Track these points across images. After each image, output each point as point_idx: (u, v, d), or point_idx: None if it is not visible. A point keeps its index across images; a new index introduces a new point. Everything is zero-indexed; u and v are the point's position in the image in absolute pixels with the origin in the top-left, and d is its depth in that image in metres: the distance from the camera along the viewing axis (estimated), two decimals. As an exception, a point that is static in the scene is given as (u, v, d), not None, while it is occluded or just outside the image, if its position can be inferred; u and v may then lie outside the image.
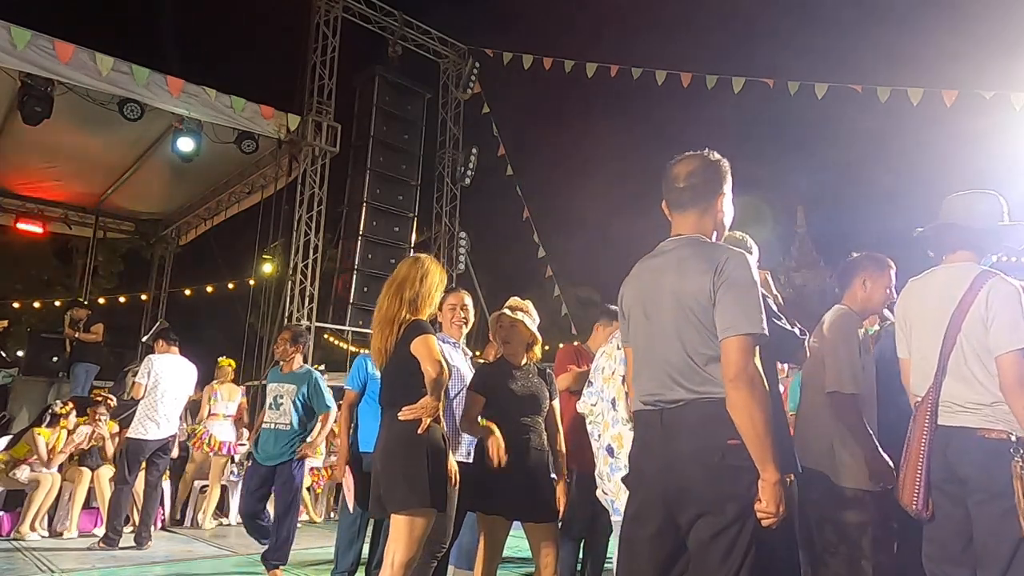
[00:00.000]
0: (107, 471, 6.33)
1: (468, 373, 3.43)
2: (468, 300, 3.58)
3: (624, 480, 2.99)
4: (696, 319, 1.91)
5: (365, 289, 10.81)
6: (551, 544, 3.09)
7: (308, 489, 7.68)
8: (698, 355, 1.90)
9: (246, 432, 8.02)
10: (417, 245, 12.05)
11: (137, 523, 5.91)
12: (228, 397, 7.25)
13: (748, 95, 10.30)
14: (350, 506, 3.94)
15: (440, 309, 3.43)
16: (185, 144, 8.73)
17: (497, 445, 2.94)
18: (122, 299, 17.34)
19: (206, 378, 7.32)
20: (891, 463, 2.68)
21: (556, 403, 3.34)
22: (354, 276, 10.89)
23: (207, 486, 7.06)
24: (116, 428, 6.71)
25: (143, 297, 14.61)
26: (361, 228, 11.07)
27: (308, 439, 4.72)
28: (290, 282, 10.07)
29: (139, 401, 5.80)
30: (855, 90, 9.66)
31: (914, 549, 2.65)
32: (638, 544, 1.97)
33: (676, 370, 1.93)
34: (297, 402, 4.64)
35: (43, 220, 12.43)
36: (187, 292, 15.61)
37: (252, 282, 12.80)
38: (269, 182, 10.76)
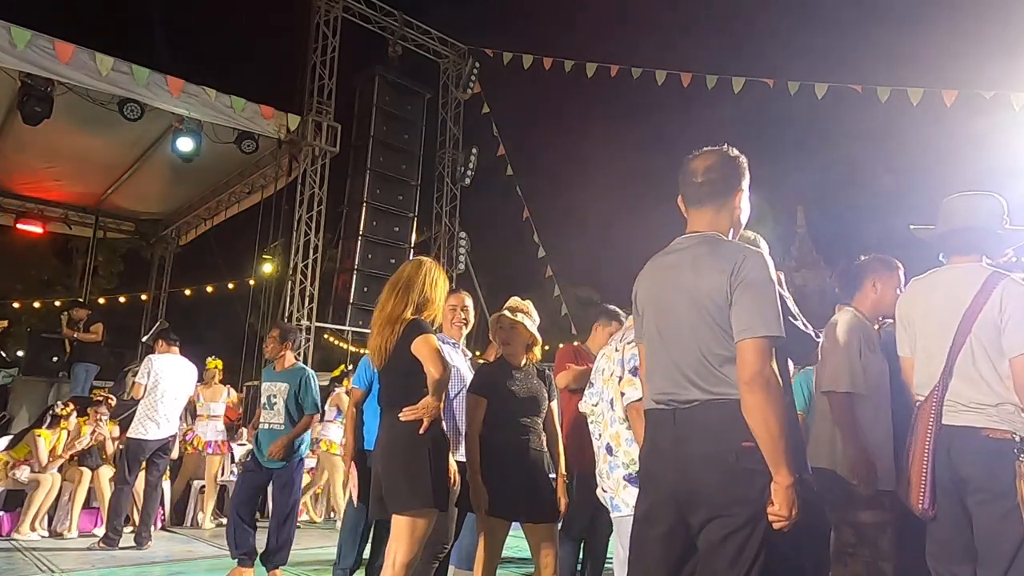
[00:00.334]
0: (107, 471, 6.34)
1: (468, 373, 3.43)
2: (469, 301, 3.58)
3: (628, 479, 3.01)
4: (712, 319, 1.88)
5: (365, 289, 10.81)
6: (551, 544, 3.09)
7: (308, 489, 7.68)
8: (713, 355, 1.87)
9: (245, 432, 8.04)
10: (417, 245, 12.06)
11: (137, 523, 5.91)
12: (212, 398, 7.23)
13: (748, 95, 10.31)
14: (354, 501, 3.95)
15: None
16: (185, 144, 8.73)
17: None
18: (122, 299, 17.35)
19: (223, 379, 7.36)
20: (875, 466, 2.69)
21: (555, 404, 3.35)
22: (354, 276, 10.89)
23: (206, 486, 7.06)
24: (116, 428, 6.71)
25: (143, 297, 14.61)
26: (361, 228, 11.07)
27: (306, 443, 4.67)
28: (290, 282, 10.08)
29: (139, 401, 5.80)
30: (855, 90, 9.66)
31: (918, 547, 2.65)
32: (649, 544, 1.95)
33: (691, 370, 1.90)
34: (290, 402, 4.57)
35: (43, 220, 12.43)
36: (187, 292, 15.61)
37: (252, 282, 12.81)
38: (269, 182, 10.76)
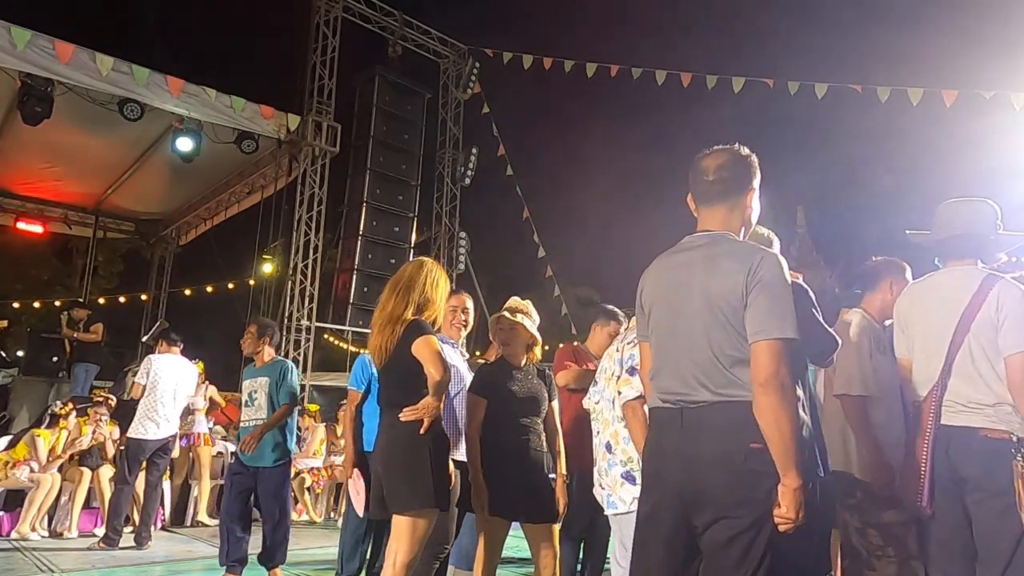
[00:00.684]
0: (107, 471, 6.34)
1: (466, 373, 3.43)
2: (469, 303, 3.58)
3: (626, 476, 3.01)
4: (725, 319, 1.86)
5: (365, 289, 10.81)
6: (551, 545, 3.10)
7: (308, 489, 7.68)
8: (724, 356, 1.86)
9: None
10: (417, 245, 12.06)
11: (137, 523, 5.91)
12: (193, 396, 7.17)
13: (748, 95, 10.31)
14: (359, 511, 3.75)
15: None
16: (185, 144, 8.73)
17: None
18: (122, 299, 17.35)
19: (208, 379, 7.32)
20: (892, 467, 2.69)
21: (556, 404, 3.35)
22: (354, 276, 10.89)
23: (199, 480, 7.05)
24: (116, 429, 6.71)
25: (143, 297, 14.62)
26: (361, 228, 11.07)
27: (292, 441, 4.55)
28: (290, 282, 10.08)
29: (139, 401, 5.80)
30: (855, 90, 9.66)
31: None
32: (651, 545, 1.95)
33: (701, 370, 1.88)
34: (271, 396, 4.45)
35: (43, 220, 12.45)
36: (187, 292, 15.61)
37: (252, 282, 12.80)
38: (269, 182, 10.77)
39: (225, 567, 4.34)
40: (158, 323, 10.91)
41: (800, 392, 2.15)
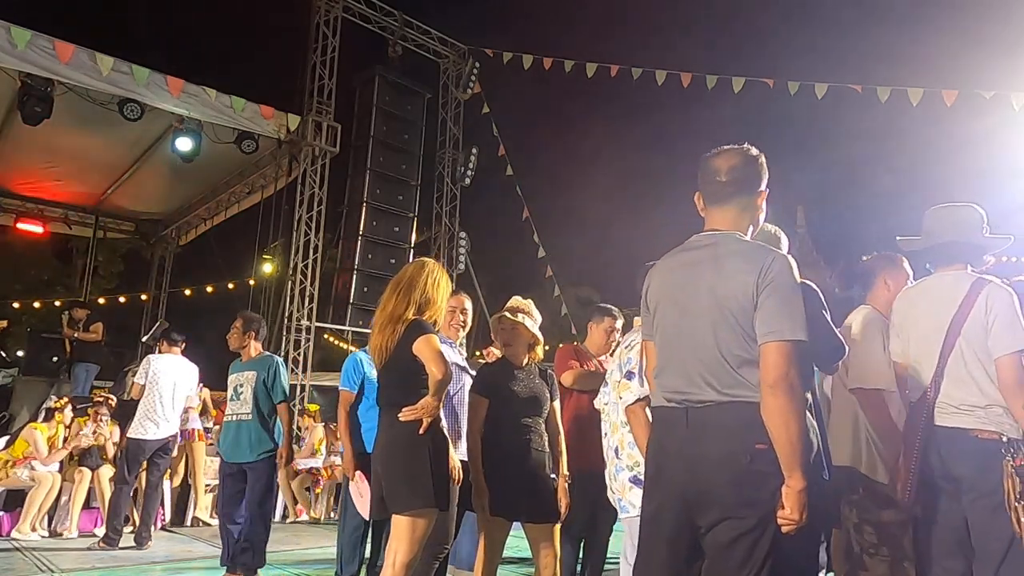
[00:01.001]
0: (107, 471, 6.34)
1: (466, 372, 3.44)
2: (468, 304, 3.59)
3: (633, 480, 3.01)
4: (734, 319, 1.86)
5: (365, 289, 10.81)
6: (551, 544, 3.10)
7: (308, 489, 7.69)
8: (732, 356, 1.86)
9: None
10: (417, 245, 12.06)
11: (137, 523, 5.92)
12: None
13: (748, 95, 10.30)
14: (364, 514, 3.68)
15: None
16: (185, 144, 8.72)
17: None
18: (122, 299, 17.35)
19: (207, 379, 7.31)
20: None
21: (557, 403, 3.35)
22: (354, 276, 10.89)
23: (195, 476, 7.05)
24: (116, 429, 6.72)
25: (143, 297, 14.61)
26: (361, 228, 11.07)
27: (276, 435, 4.47)
28: (290, 282, 10.08)
29: (139, 402, 5.80)
30: (855, 90, 9.65)
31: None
32: (655, 545, 1.95)
33: (707, 369, 1.88)
34: (258, 391, 4.38)
35: (43, 220, 12.44)
36: (187, 292, 15.61)
37: (252, 282, 12.81)
38: (269, 182, 10.77)
39: (225, 567, 4.33)
40: (158, 323, 10.91)
41: (807, 394, 2.14)
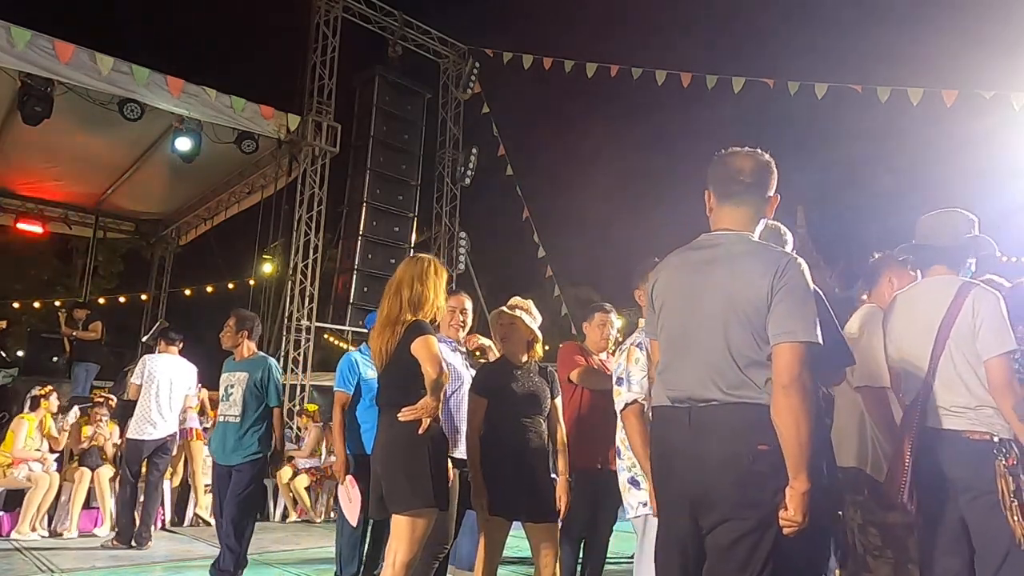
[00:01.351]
0: (107, 471, 6.34)
1: (465, 372, 3.44)
2: (468, 304, 3.58)
3: (631, 481, 3.02)
4: (747, 320, 1.86)
5: (365, 289, 10.81)
6: (551, 544, 3.09)
7: (307, 489, 7.69)
8: (741, 356, 1.86)
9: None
10: (417, 245, 12.06)
11: (137, 523, 5.92)
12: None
13: (748, 95, 10.30)
14: (351, 521, 3.70)
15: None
16: (185, 144, 8.72)
17: None
18: (122, 299, 17.34)
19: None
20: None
21: (558, 401, 3.33)
22: (354, 276, 10.89)
23: (193, 475, 7.06)
24: (116, 429, 6.72)
25: (143, 297, 14.61)
26: (361, 228, 11.07)
27: (265, 438, 4.32)
28: (290, 282, 10.08)
29: (136, 402, 5.82)
30: (855, 90, 9.66)
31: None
32: (667, 546, 1.97)
33: (714, 369, 1.88)
34: (249, 392, 4.22)
35: (43, 220, 12.43)
36: (187, 292, 15.61)
37: (252, 282, 12.79)
38: (269, 182, 10.77)
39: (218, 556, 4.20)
40: (158, 323, 10.91)
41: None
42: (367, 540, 4.15)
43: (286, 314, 9.99)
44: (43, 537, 5.95)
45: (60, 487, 6.22)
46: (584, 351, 4.06)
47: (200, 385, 7.15)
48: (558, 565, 3.14)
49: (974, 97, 8.88)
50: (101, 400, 6.98)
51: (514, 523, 3.15)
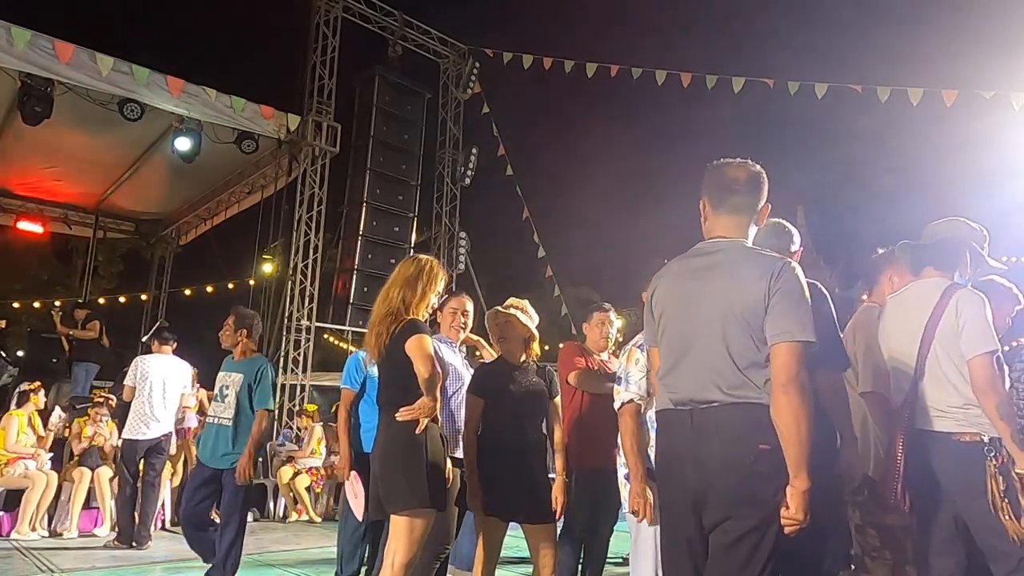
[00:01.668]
0: (107, 471, 6.35)
1: (465, 372, 3.44)
2: (470, 306, 3.57)
3: (627, 477, 3.02)
4: (746, 322, 1.92)
5: (365, 289, 10.80)
6: (549, 545, 3.09)
7: (308, 489, 7.69)
8: (741, 358, 1.91)
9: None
10: (417, 245, 12.06)
11: (137, 523, 5.92)
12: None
13: (748, 95, 10.30)
14: (358, 515, 3.66)
15: (440, 310, 3.42)
16: (185, 144, 8.72)
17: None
18: (122, 299, 17.34)
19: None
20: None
21: (558, 400, 3.33)
22: (354, 276, 10.89)
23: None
24: (116, 429, 6.72)
25: (143, 297, 14.61)
26: (361, 228, 11.07)
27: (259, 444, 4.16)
28: (290, 282, 10.08)
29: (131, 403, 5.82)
30: (855, 90, 9.65)
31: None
32: (672, 546, 2.01)
33: (715, 371, 1.93)
34: (243, 395, 4.09)
35: (43, 220, 12.43)
36: (187, 292, 15.61)
37: (252, 282, 12.80)
38: (269, 182, 10.76)
39: (211, 565, 4.08)
40: (158, 323, 10.91)
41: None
42: (368, 540, 4.14)
43: (286, 314, 9.99)
44: (43, 537, 5.96)
45: (60, 487, 6.23)
46: (585, 351, 4.05)
47: (199, 385, 7.15)
48: (557, 565, 3.14)
49: (974, 97, 8.88)
50: (101, 400, 6.99)
51: (515, 523, 3.15)
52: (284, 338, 9.92)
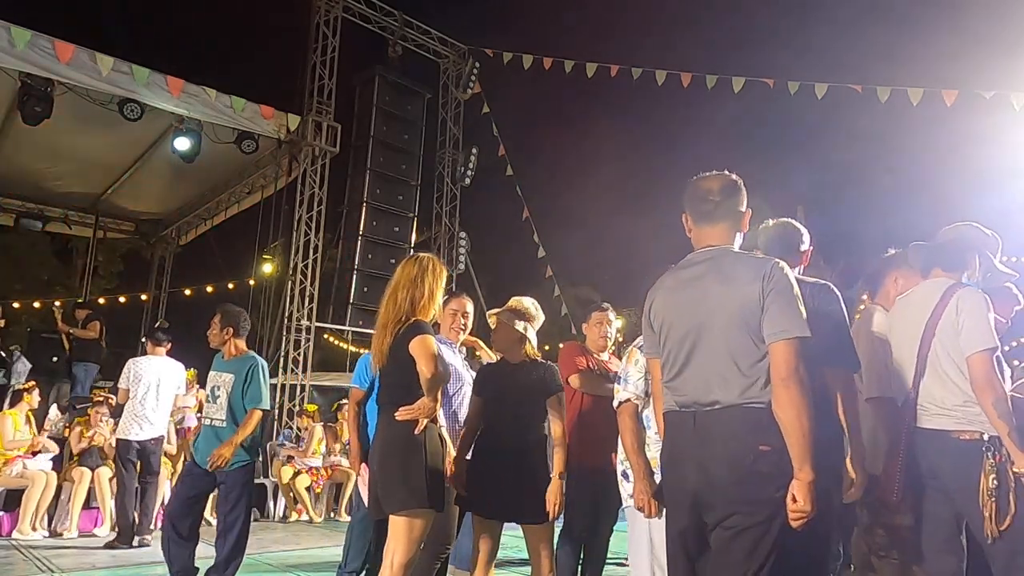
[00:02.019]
0: (107, 471, 6.35)
1: (465, 373, 3.44)
2: (470, 307, 3.57)
3: (623, 475, 3.02)
4: (744, 323, 1.99)
5: (365, 289, 10.81)
6: (547, 545, 3.08)
7: (308, 489, 7.69)
8: (741, 359, 1.98)
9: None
10: (417, 245, 12.06)
11: (137, 519, 5.92)
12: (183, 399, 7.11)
13: (748, 95, 10.30)
14: (365, 502, 3.63)
15: (441, 311, 3.41)
16: (184, 144, 8.72)
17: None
18: (122, 299, 17.32)
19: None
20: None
21: (557, 398, 3.28)
22: (354, 276, 10.89)
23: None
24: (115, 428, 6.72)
25: (143, 297, 14.61)
26: (361, 228, 11.07)
27: (255, 447, 4.13)
28: (290, 282, 10.07)
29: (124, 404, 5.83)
30: (855, 90, 9.65)
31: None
32: (674, 545, 2.07)
33: (718, 374, 2.00)
34: (235, 395, 3.99)
35: (43, 220, 12.43)
36: (187, 292, 15.59)
37: (252, 282, 12.80)
38: (269, 182, 10.77)
39: (211, 566, 3.98)
40: (158, 323, 10.91)
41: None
42: (375, 538, 4.13)
43: (286, 314, 9.98)
44: (43, 537, 5.96)
45: (60, 487, 6.23)
46: (585, 351, 4.06)
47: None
48: (555, 565, 3.13)
49: (974, 97, 8.88)
50: (101, 399, 6.99)
51: (516, 524, 3.15)
52: (284, 338, 9.92)
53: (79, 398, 8.07)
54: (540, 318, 3.33)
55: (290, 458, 7.86)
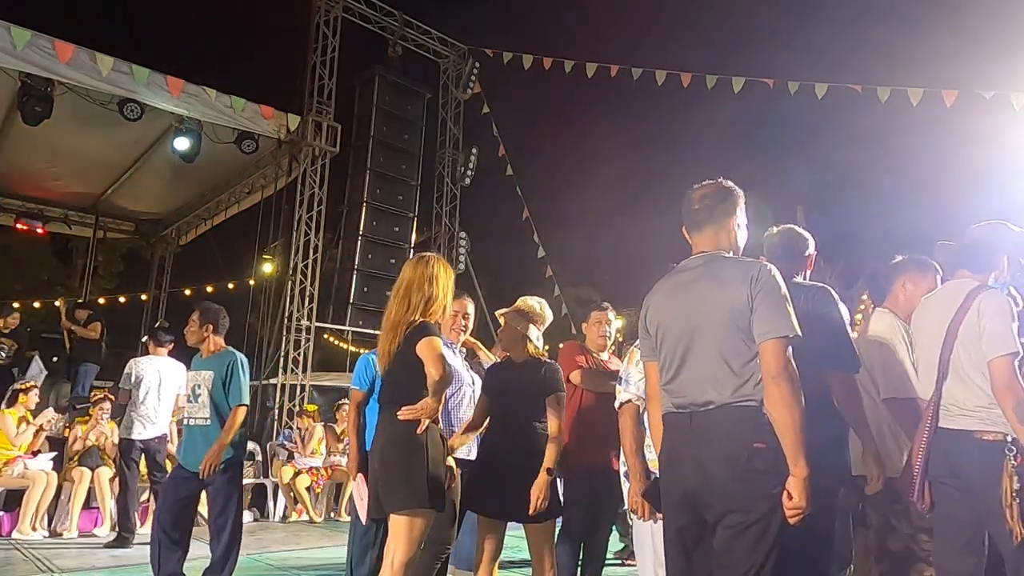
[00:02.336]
0: (107, 471, 6.35)
1: (465, 374, 3.46)
2: (470, 308, 3.57)
3: (624, 475, 3.02)
4: (735, 325, 2.05)
5: (365, 289, 10.81)
6: (547, 544, 3.08)
7: (308, 489, 7.69)
8: (734, 359, 2.03)
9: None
10: (417, 245, 12.07)
11: (138, 523, 5.93)
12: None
13: (748, 95, 10.30)
14: (363, 518, 3.49)
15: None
16: (184, 144, 8.73)
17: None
18: (122, 299, 17.33)
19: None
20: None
21: (556, 397, 3.27)
22: (354, 276, 10.90)
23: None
24: (116, 428, 6.72)
25: (143, 297, 14.61)
26: (361, 228, 11.08)
27: (242, 445, 4.08)
28: (290, 282, 10.07)
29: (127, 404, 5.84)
30: (855, 90, 9.65)
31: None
32: (673, 544, 2.10)
33: (711, 374, 2.05)
34: (216, 393, 3.92)
35: (43, 220, 12.43)
36: (187, 292, 15.59)
37: (252, 282, 12.79)
38: (269, 182, 10.76)
39: (208, 566, 3.94)
40: (159, 323, 10.90)
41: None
42: (379, 544, 4.10)
43: (286, 314, 9.98)
44: (43, 537, 5.96)
45: (60, 487, 6.23)
46: (585, 351, 4.06)
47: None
48: (555, 565, 3.13)
49: (974, 97, 8.88)
50: (102, 398, 6.99)
51: (517, 524, 3.15)
52: (284, 338, 9.92)
53: (79, 398, 8.07)
54: (548, 317, 3.35)
55: (290, 457, 7.86)
